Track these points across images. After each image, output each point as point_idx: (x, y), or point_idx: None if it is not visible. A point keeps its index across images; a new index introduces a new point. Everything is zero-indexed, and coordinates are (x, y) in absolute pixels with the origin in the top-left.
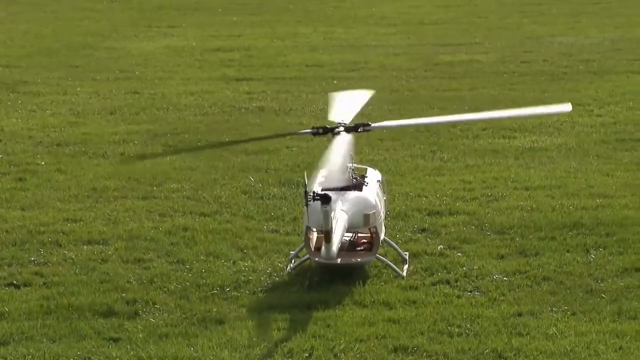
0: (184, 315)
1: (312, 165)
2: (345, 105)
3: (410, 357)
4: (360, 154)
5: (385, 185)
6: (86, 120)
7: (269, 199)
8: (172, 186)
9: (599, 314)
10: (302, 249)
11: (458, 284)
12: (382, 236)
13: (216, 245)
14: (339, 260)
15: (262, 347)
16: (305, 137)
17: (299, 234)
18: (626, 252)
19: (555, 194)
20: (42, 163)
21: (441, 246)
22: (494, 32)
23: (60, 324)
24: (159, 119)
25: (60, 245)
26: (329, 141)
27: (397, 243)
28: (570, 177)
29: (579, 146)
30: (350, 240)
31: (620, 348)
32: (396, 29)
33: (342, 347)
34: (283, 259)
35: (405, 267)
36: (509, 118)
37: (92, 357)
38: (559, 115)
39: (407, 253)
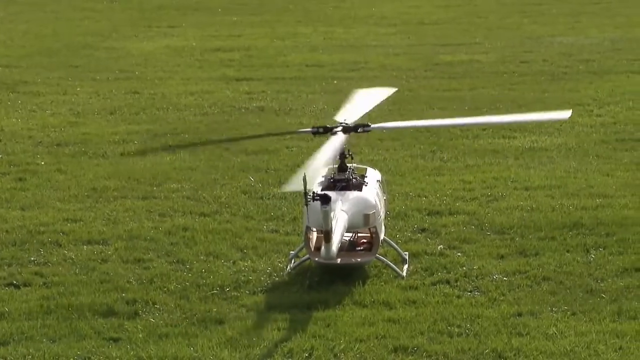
0: (184, 315)
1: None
2: (359, 104)
3: (410, 357)
4: (360, 154)
5: (385, 185)
6: (86, 120)
7: (268, 199)
8: (172, 186)
9: (599, 314)
10: (302, 249)
11: (458, 284)
12: (382, 236)
13: (216, 245)
14: (338, 260)
15: (262, 347)
16: (305, 137)
17: (298, 234)
18: (626, 252)
19: (555, 194)
20: (42, 163)
21: (441, 246)
22: (494, 32)
23: (60, 324)
24: (159, 119)
25: (60, 245)
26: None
27: (397, 243)
28: (570, 177)
29: (579, 146)
30: (350, 240)
31: (620, 348)
32: (396, 29)
33: (342, 347)
34: (283, 259)
35: (405, 267)
36: (508, 124)
37: (92, 357)
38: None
39: (407, 253)
